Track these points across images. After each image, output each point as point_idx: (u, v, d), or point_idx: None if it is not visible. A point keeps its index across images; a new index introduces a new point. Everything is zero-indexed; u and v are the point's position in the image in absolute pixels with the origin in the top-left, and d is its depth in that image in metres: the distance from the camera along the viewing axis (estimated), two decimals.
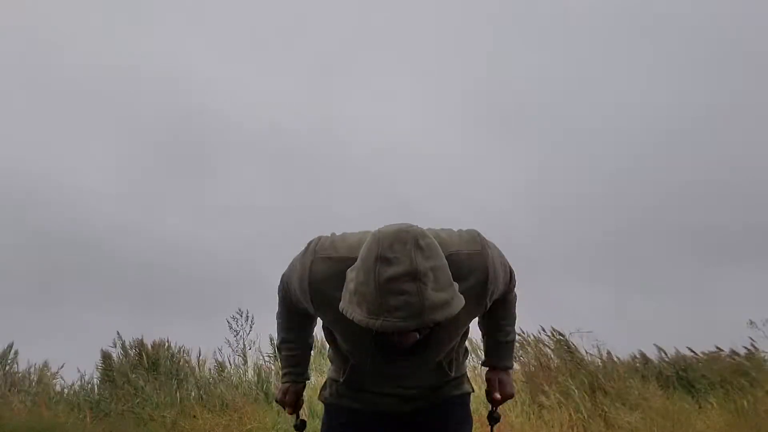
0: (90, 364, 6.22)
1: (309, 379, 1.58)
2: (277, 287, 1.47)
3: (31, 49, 8.72)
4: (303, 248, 1.30)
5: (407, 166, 9.87)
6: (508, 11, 9.46)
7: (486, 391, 1.55)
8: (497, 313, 1.48)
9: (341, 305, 1.07)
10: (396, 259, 0.99)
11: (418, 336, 1.06)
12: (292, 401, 1.55)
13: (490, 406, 1.56)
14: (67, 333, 6.89)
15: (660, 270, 8.28)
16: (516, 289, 1.50)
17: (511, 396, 1.54)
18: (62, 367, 6.23)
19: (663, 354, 6.03)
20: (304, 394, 1.59)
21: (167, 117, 9.34)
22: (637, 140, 9.27)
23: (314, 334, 1.57)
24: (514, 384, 1.56)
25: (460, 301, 1.05)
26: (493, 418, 1.56)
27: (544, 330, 6.01)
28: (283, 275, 1.39)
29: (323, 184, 9.51)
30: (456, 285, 1.07)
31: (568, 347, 5.76)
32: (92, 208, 8.57)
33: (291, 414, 1.58)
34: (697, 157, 8.76)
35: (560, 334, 5.90)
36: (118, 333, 6.48)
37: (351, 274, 1.08)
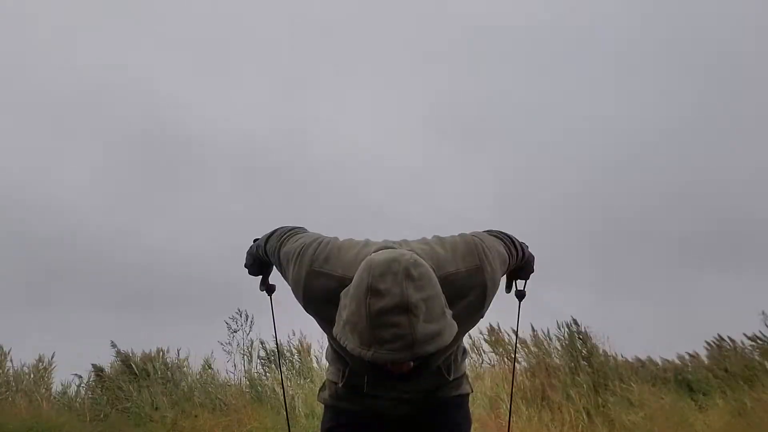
0: (85, 365, 6.27)
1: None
2: (268, 242, 1.45)
3: (8, 59, 8.89)
4: (302, 243, 1.28)
5: (377, 175, 10.03)
6: (474, 26, 9.60)
7: (507, 284, 1.68)
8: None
9: (335, 330, 1.06)
10: (387, 290, 0.97)
11: (411, 365, 1.03)
12: (260, 269, 1.64)
13: (516, 285, 1.69)
14: (59, 335, 6.94)
15: (635, 275, 8.47)
16: (521, 249, 1.50)
17: (530, 274, 1.66)
18: (53, 366, 6.25)
19: (660, 355, 6.06)
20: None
21: (144, 129, 9.56)
22: (601, 153, 9.56)
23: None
24: (531, 268, 1.65)
25: (452, 329, 1.03)
26: (520, 295, 1.70)
27: (562, 328, 6.04)
28: (282, 248, 1.36)
29: (295, 192, 9.67)
30: (449, 312, 1.05)
31: (571, 347, 5.77)
32: (74, 216, 8.71)
33: (257, 276, 1.67)
34: (665, 168, 9.03)
35: (577, 324, 5.94)
36: (112, 342, 6.50)
37: (344, 299, 1.06)
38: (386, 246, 1.22)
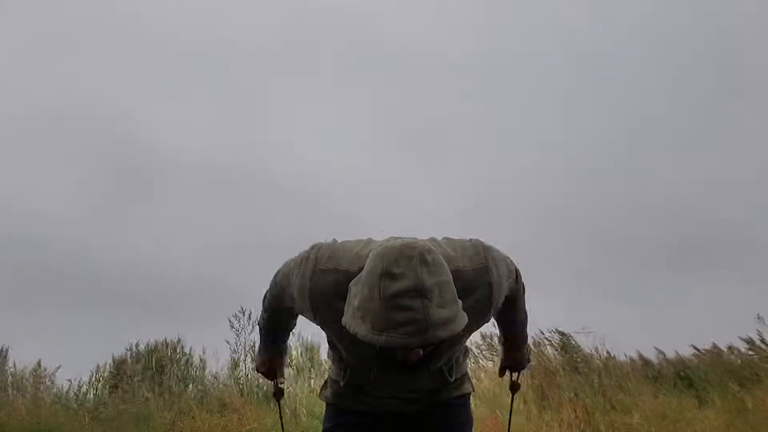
0: (81, 368, 6.30)
1: (285, 348, 1.64)
2: (268, 288, 1.45)
3: None
4: (300, 255, 1.28)
5: (339, 186, 10.62)
6: (438, 42, 10.25)
7: (500, 368, 1.67)
8: (508, 316, 1.52)
9: (344, 320, 1.06)
10: (401, 274, 0.98)
11: (421, 352, 1.04)
12: (271, 371, 1.64)
13: (510, 376, 1.69)
14: (54, 338, 7.03)
15: (620, 279, 8.86)
16: (523, 289, 1.51)
17: (524, 367, 1.66)
18: (58, 368, 6.26)
19: (661, 354, 6.07)
20: (292, 381, 1.65)
21: (110, 149, 10.11)
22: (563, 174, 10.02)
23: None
24: (527, 358, 1.66)
25: (463, 317, 1.04)
26: (514, 387, 1.70)
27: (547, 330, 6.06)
28: (277, 278, 1.37)
29: (259, 202, 10.22)
30: (460, 302, 1.05)
31: (570, 347, 5.78)
32: (54, 228, 9.08)
33: (270, 380, 1.67)
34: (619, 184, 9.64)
35: (562, 333, 5.95)
36: (131, 342, 6.64)
37: (354, 288, 1.06)
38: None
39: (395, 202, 9.97)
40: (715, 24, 9.00)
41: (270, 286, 1.44)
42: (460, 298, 1.06)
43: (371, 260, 1.03)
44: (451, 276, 1.05)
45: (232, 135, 10.54)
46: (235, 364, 6.50)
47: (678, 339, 6.24)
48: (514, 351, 1.63)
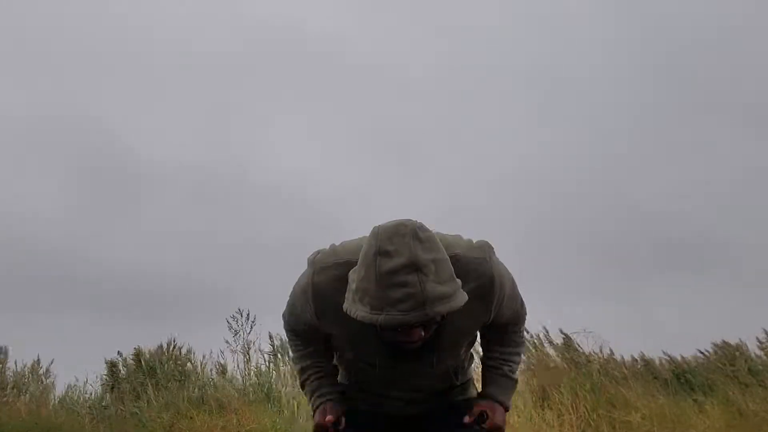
0: (79, 369, 6.31)
1: (337, 395, 1.40)
2: (285, 330, 1.44)
3: None
4: (302, 273, 1.28)
5: (322, 190, 10.99)
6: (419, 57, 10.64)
7: (477, 416, 1.37)
8: (502, 342, 1.41)
9: (345, 305, 1.06)
10: (395, 251, 0.99)
11: (422, 333, 1.05)
12: (332, 418, 1.34)
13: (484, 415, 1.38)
14: (51, 340, 7.07)
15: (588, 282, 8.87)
16: (523, 329, 1.45)
17: (500, 429, 1.36)
18: (54, 375, 6.26)
19: (661, 355, 6.05)
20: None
21: (104, 153, 10.42)
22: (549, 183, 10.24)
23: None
24: (505, 420, 1.39)
25: (462, 296, 1.03)
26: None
27: (547, 331, 6.06)
28: (284, 313, 1.38)
29: (245, 205, 10.55)
30: (459, 281, 1.05)
31: (572, 347, 5.77)
32: (48, 230, 9.38)
33: None
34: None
35: (564, 334, 5.95)
36: (129, 344, 6.58)
37: (353, 274, 1.07)
38: None
39: (376, 204, 10.09)
40: (686, 36, 9.56)
41: (284, 328, 1.42)
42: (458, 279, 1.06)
43: (366, 242, 1.04)
44: (446, 255, 1.05)
45: (218, 140, 10.95)
46: (226, 366, 6.50)
47: (675, 339, 6.26)
48: (494, 405, 1.38)
